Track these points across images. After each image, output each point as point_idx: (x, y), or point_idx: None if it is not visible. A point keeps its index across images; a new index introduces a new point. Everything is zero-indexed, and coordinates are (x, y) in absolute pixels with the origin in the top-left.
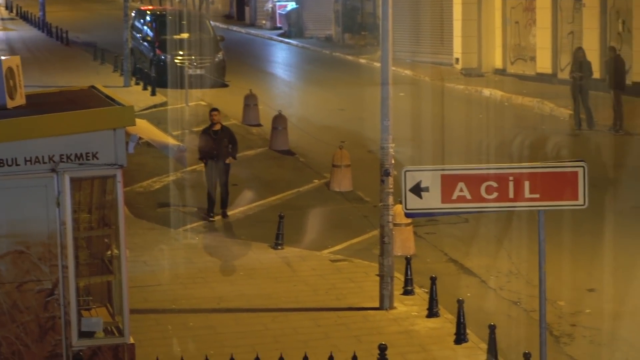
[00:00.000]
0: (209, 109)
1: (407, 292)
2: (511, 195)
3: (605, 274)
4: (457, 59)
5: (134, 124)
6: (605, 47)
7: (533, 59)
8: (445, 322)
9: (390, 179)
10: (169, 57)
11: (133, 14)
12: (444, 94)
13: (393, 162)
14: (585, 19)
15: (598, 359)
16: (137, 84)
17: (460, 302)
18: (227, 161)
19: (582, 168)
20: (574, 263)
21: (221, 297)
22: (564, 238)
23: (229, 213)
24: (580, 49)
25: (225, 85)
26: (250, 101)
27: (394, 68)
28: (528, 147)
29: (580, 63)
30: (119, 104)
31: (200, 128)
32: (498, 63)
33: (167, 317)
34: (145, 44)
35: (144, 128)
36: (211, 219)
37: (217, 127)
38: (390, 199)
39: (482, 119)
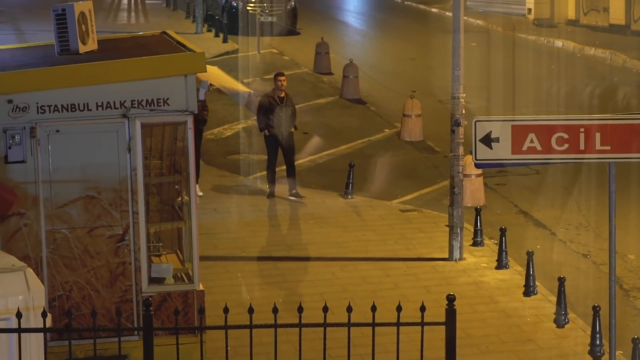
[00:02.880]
0: (279, 57)
1: (477, 243)
2: (582, 146)
3: None
4: (530, 9)
5: (205, 71)
6: None
7: (606, 9)
8: (515, 274)
9: (461, 129)
10: (241, 3)
11: None
12: (515, 44)
13: (464, 112)
14: None
15: None
16: (209, 30)
17: (529, 254)
18: (292, 130)
19: None
20: None
21: (290, 245)
22: (634, 191)
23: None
24: None
25: (297, 33)
26: (321, 49)
27: (465, 17)
28: (599, 98)
29: None
30: (190, 50)
31: (271, 76)
32: (571, 14)
33: (237, 264)
34: None
35: (215, 75)
36: (271, 197)
37: (283, 93)
38: (461, 149)
39: (553, 70)
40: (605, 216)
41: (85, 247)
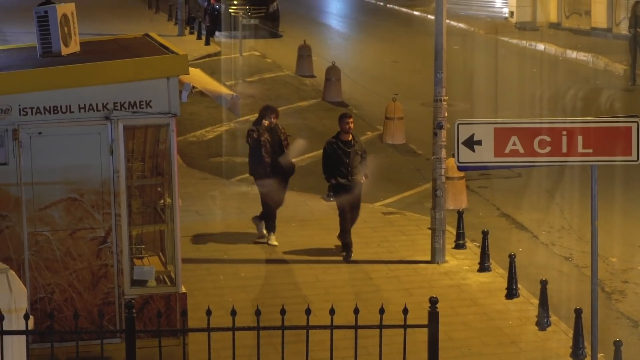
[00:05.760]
0: (262, 60)
1: (459, 245)
2: (564, 149)
3: None
4: (512, 12)
5: (187, 73)
6: None
7: (588, 13)
8: (497, 277)
9: (443, 132)
10: (223, 6)
11: None
12: (498, 47)
13: (446, 114)
14: None
15: None
16: (191, 33)
17: (512, 257)
18: (362, 180)
19: (636, 123)
20: (626, 219)
21: (273, 248)
22: (617, 194)
23: None
24: (638, 3)
25: (279, 36)
26: (304, 52)
27: (448, 20)
28: (581, 101)
29: (637, 17)
30: (172, 52)
31: (254, 78)
32: (553, 17)
33: (219, 267)
34: None
35: (198, 77)
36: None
37: (349, 136)
38: (443, 152)
39: (535, 73)
40: (587, 219)
41: (67, 249)
